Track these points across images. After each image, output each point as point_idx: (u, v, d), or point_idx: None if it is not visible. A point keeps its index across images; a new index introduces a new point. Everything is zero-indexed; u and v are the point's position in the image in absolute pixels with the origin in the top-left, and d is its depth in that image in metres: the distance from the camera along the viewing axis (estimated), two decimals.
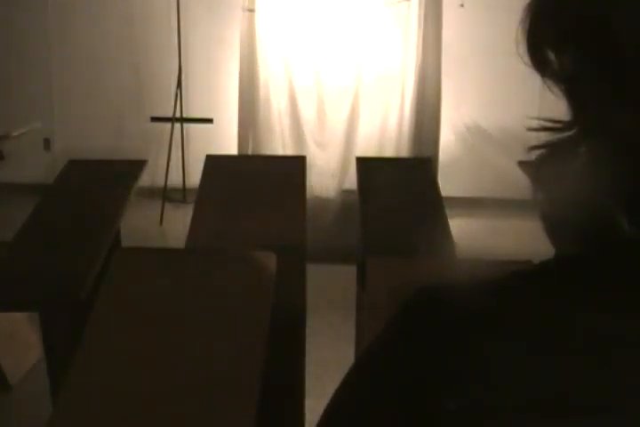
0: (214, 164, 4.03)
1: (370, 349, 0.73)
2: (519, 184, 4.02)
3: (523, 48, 0.66)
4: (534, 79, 0.68)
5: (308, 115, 5.25)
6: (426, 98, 5.22)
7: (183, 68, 5.73)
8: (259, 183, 3.83)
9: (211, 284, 2.68)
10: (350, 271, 3.78)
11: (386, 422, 0.68)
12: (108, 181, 3.92)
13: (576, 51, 0.63)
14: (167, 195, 5.73)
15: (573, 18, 0.63)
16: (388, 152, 5.21)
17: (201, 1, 5.71)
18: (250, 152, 5.23)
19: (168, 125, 5.76)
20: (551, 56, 0.65)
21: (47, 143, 6.03)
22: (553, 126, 0.67)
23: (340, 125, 5.24)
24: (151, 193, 5.65)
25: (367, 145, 5.22)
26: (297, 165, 4.05)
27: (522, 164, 4.26)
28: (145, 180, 4.35)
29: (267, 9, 5.14)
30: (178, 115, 5.77)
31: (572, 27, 0.63)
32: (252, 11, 5.15)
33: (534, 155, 0.69)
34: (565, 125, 0.66)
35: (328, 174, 5.25)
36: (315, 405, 3.00)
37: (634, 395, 0.61)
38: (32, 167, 5.86)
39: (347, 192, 5.09)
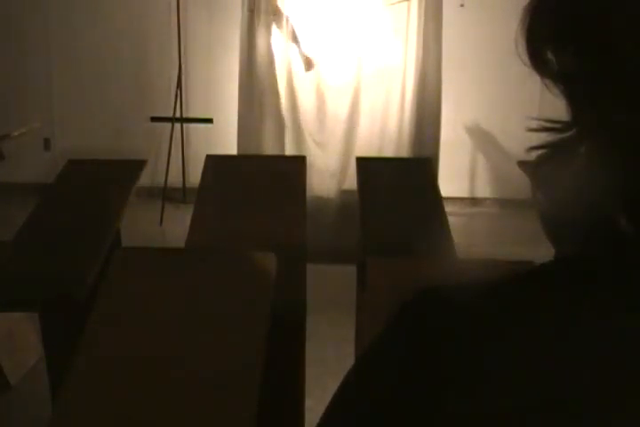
0: (214, 164, 4.03)
1: (370, 349, 0.73)
2: (519, 184, 4.04)
3: (522, 48, 0.66)
4: (534, 79, 0.68)
5: (308, 115, 5.25)
6: (426, 98, 5.21)
7: (183, 68, 5.73)
8: (259, 183, 3.82)
9: (210, 284, 2.68)
10: (350, 271, 3.78)
11: (386, 422, 0.68)
12: (108, 181, 3.92)
13: (575, 51, 0.63)
14: (167, 195, 5.73)
15: (573, 18, 0.63)
16: (388, 152, 5.21)
17: (201, 1, 5.71)
18: (250, 152, 5.23)
19: (168, 125, 5.76)
20: (550, 56, 0.65)
21: (47, 143, 6.03)
22: (553, 127, 0.67)
23: (340, 125, 5.24)
24: (151, 193, 5.66)
25: (367, 145, 5.21)
26: (297, 165, 4.05)
27: (522, 164, 4.26)
28: (145, 180, 4.35)
29: (267, 9, 5.13)
30: (178, 115, 5.77)
31: (571, 27, 0.63)
32: (251, 11, 5.14)
33: (534, 155, 0.69)
34: (565, 126, 0.66)
35: (328, 174, 5.25)
36: (315, 405, 3.00)
37: (635, 395, 0.61)
38: (32, 167, 5.85)
39: (347, 192, 5.09)
